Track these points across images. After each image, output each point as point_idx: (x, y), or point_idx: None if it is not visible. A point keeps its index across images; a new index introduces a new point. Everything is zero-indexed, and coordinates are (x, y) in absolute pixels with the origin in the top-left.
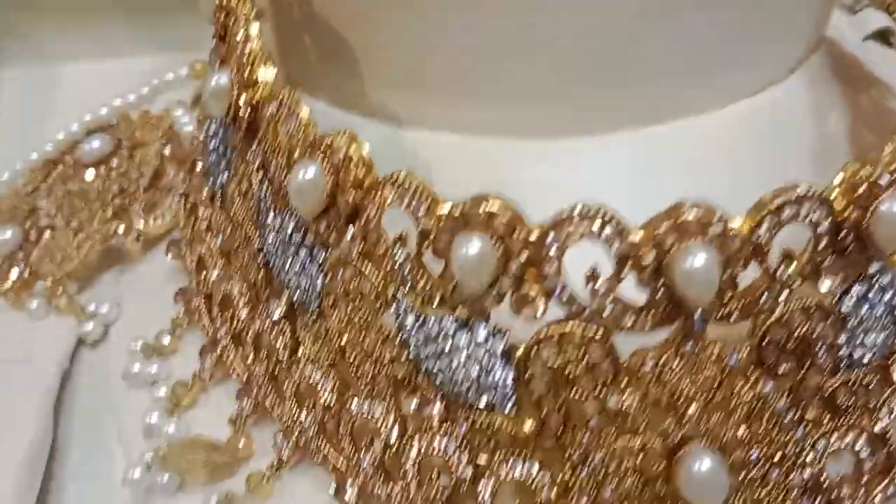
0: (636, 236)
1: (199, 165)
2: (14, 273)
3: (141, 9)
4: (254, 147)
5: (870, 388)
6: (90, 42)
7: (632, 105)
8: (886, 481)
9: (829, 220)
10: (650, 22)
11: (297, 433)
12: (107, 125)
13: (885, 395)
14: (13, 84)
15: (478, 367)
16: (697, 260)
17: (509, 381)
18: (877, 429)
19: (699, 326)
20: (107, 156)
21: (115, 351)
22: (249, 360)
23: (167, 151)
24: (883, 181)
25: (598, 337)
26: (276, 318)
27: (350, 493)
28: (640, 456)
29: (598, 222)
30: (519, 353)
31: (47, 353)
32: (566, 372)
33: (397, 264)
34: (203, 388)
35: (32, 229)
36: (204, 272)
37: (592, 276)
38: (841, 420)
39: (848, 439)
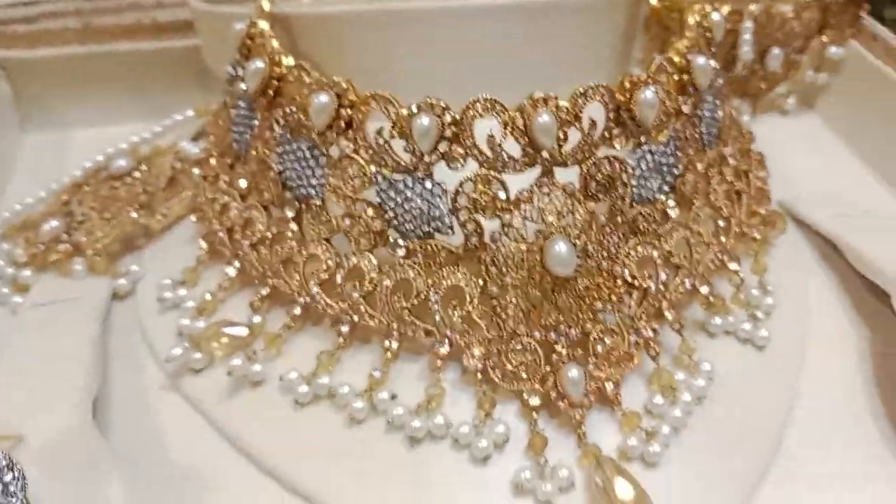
0: (511, 111)
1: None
2: (62, 247)
3: (139, 84)
4: (276, 108)
5: (657, 219)
6: (98, 111)
7: None
8: (677, 282)
9: (613, 102)
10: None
11: (303, 298)
12: (127, 151)
13: (668, 226)
14: (34, 147)
15: (426, 205)
16: (544, 119)
17: (446, 211)
18: (666, 247)
19: (551, 164)
20: (130, 171)
21: (143, 300)
22: (266, 258)
23: (178, 165)
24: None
25: (495, 176)
26: (289, 216)
27: (345, 329)
28: (525, 249)
29: (490, 105)
30: (451, 191)
31: (90, 295)
32: (478, 201)
33: (376, 148)
34: (225, 296)
35: (72, 222)
36: (226, 212)
37: (491, 138)
38: (641, 238)
39: (647, 252)
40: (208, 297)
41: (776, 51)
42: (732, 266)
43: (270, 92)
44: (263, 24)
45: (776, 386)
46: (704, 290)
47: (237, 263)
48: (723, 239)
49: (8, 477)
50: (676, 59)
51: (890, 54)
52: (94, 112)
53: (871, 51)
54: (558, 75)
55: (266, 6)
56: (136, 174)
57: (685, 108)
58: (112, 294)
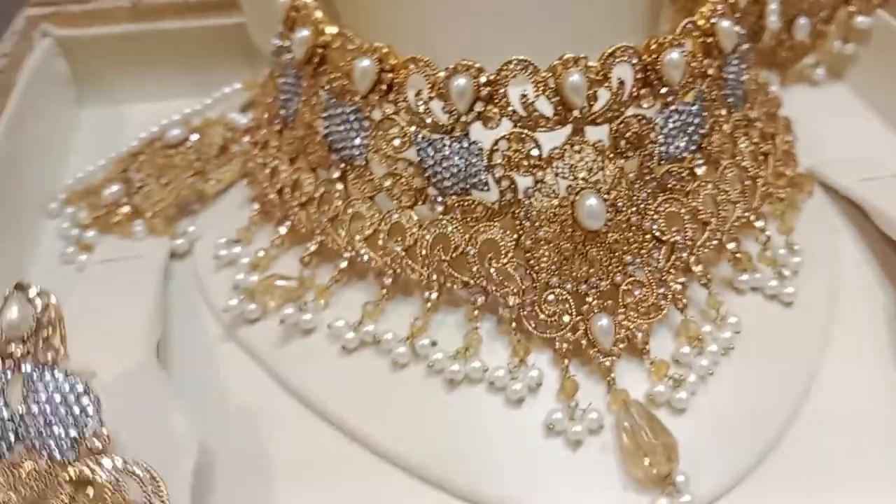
0: (543, 72)
1: (266, 116)
2: (123, 210)
3: (188, 60)
4: (321, 74)
5: (684, 176)
6: (150, 87)
7: None
8: (704, 238)
9: (640, 62)
10: None
11: (351, 255)
12: (181, 122)
13: (695, 184)
14: (91, 121)
15: (463, 162)
16: (574, 78)
17: (482, 168)
18: (693, 204)
19: (581, 122)
20: (183, 140)
21: (200, 258)
22: (314, 216)
23: (228, 134)
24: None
25: (529, 134)
26: (335, 176)
27: (388, 281)
28: (557, 204)
29: (523, 66)
30: (486, 149)
31: (150, 254)
32: (514, 157)
33: (416, 109)
34: (277, 253)
35: (131, 188)
36: (276, 176)
37: (524, 98)
38: (669, 195)
39: (675, 208)
40: (261, 253)
41: (802, 20)
42: (759, 224)
43: (315, 60)
44: None
45: (803, 341)
46: (731, 246)
47: (288, 222)
48: (748, 197)
49: (85, 400)
50: (701, 22)
51: None
52: (147, 87)
53: None
54: (587, 44)
55: None
56: (189, 143)
57: (711, 70)
58: (171, 253)
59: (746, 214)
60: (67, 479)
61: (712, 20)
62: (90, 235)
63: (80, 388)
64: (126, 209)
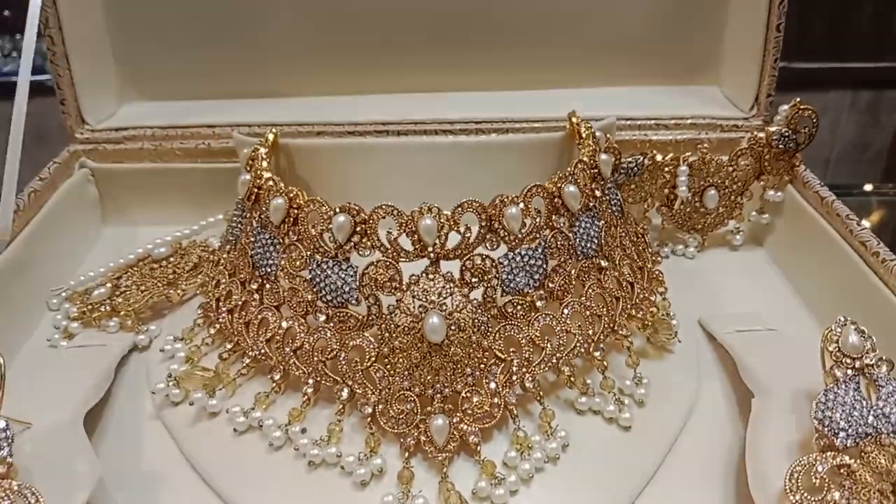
0: (406, 216)
1: (220, 246)
2: (103, 309)
3: (196, 194)
4: (255, 209)
5: (524, 307)
6: (162, 213)
7: None
8: (539, 360)
9: (485, 214)
10: None
11: (255, 353)
12: (170, 242)
13: (534, 315)
14: (110, 238)
15: (341, 281)
16: (427, 222)
17: (355, 286)
18: (531, 331)
19: (436, 257)
20: (167, 257)
21: (153, 351)
22: (234, 320)
23: (203, 254)
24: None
25: (392, 263)
26: (254, 287)
27: (277, 377)
28: (410, 321)
29: (389, 210)
30: (359, 272)
31: (114, 345)
32: (379, 280)
33: (312, 238)
34: (207, 350)
35: (116, 290)
36: (217, 286)
37: (389, 234)
38: (509, 322)
39: (513, 333)
40: (194, 349)
41: (712, 192)
42: (597, 354)
43: (252, 198)
44: (262, 150)
45: (634, 462)
46: (566, 370)
47: (217, 325)
48: (590, 332)
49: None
50: (549, 185)
51: (816, 200)
52: (160, 213)
53: (804, 196)
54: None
55: (270, 137)
56: (171, 260)
57: (559, 224)
58: (134, 346)
59: (586, 345)
60: None
61: (559, 184)
62: (74, 326)
63: (1, 424)
64: (106, 308)
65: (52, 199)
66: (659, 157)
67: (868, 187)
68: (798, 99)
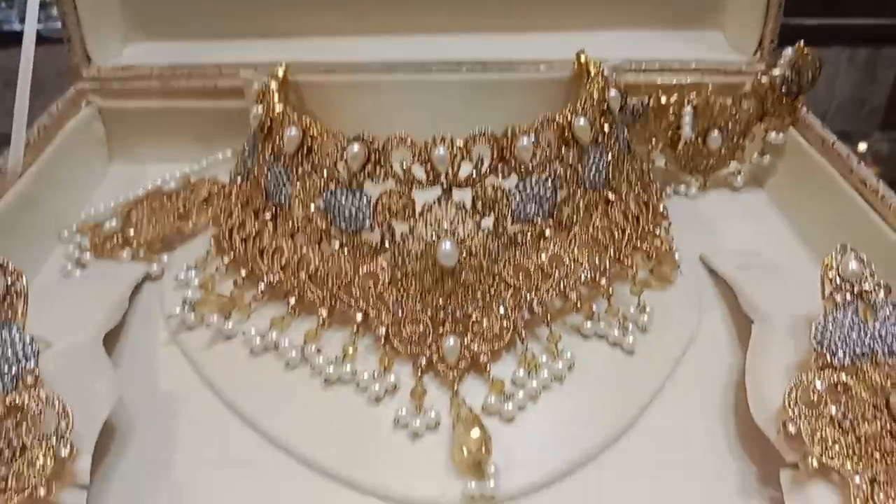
0: (418, 144)
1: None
2: (115, 240)
3: (201, 133)
4: (268, 140)
5: (533, 235)
6: (168, 151)
7: None
8: (547, 286)
9: (497, 144)
10: None
11: (270, 279)
12: (179, 178)
13: (542, 243)
14: (116, 176)
15: (354, 209)
16: (440, 151)
17: (368, 214)
18: (539, 259)
19: (448, 186)
20: (177, 191)
21: (166, 279)
22: (249, 248)
23: (213, 189)
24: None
25: (405, 191)
26: (267, 217)
27: (292, 301)
28: (423, 247)
29: (402, 139)
30: (373, 200)
31: (127, 274)
32: (393, 208)
33: (326, 167)
34: (218, 277)
35: (128, 223)
36: (229, 217)
37: (402, 163)
38: (519, 249)
39: (522, 260)
40: (209, 277)
41: (715, 133)
42: (603, 282)
43: (265, 129)
44: (273, 84)
45: (636, 384)
46: (573, 296)
47: (231, 254)
48: (597, 261)
49: (28, 350)
50: (559, 118)
51: (818, 141)
52: (165, 151)
53: (806, 138)
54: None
55: (280, 73)
56: (182, 194)
57: (569, 156)
58: (147, 276)
59: (592, 274)
60: (4, 403)
61: (570, 117)
62: (87, 257)
63: (26, 339)
64: (118, 240)
65: (60, 136)
66: (664, 99)
67: (862, 147)
68: (801, 42)
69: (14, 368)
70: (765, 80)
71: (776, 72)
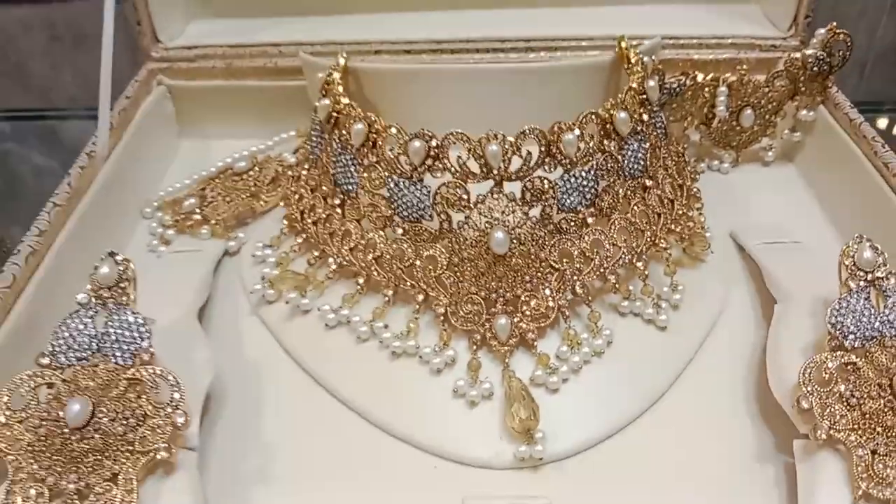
0: (474, 142)
1: (302, 158)
2: (195, 217)
3: (263, 110)
4: (334, 131)
5: (577, 223)
6: (233, 128)
7: None
8: (589, 269)
9: (545, 140)
10: None
11: (340, 260)
12: (248, 156)
13: (586, 230)
14: (186, 150)
15: (416, 199)
16: (493, 147)
17: (429, 204)
18: (582, 244)
19: (500, 179)
20: (247, 170)
21: (244, 256)
22: (320, 232)
23: (280, 168)
24: (568, 124)
25: (461, 184)
26: (336, 203)
27: (361, 281)
28: (477, 235)
29: (459, 136)
30: (432, 191)
31: (209, 250)
32: (450, 199)
33: (389, 160)
34: (295, 256)
35: (204, 202)
36: (300, 201)
37: (459, 158)
38: (563, 236)
39: (567, 246)
40: (283, 255)
41: (748, 111)
42: (639, 264)
43: (332, 121)
44: (336, 75)
45: (668, 358)
46: (612, 278)
47: (304, 235)
48: (634, 244)
49: (143, 330)
50: (601, 112)
51: (845, 121)
52: (231, 129)
53: (835, 117)
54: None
55: (341, 62)
56: (251, 173)
57: (610, 148)
58: (225, 252)
59: (630, 256)
60: (126, 377)
61: (611, 111)
62: (170, 234)
63: (140, 321)
64: (197, 217)
65: (137, 117)
66: (700, 78)
67: None
68: (834, 23)
69: (132, 347)
70: (797, 57)
71: (808, 51)
